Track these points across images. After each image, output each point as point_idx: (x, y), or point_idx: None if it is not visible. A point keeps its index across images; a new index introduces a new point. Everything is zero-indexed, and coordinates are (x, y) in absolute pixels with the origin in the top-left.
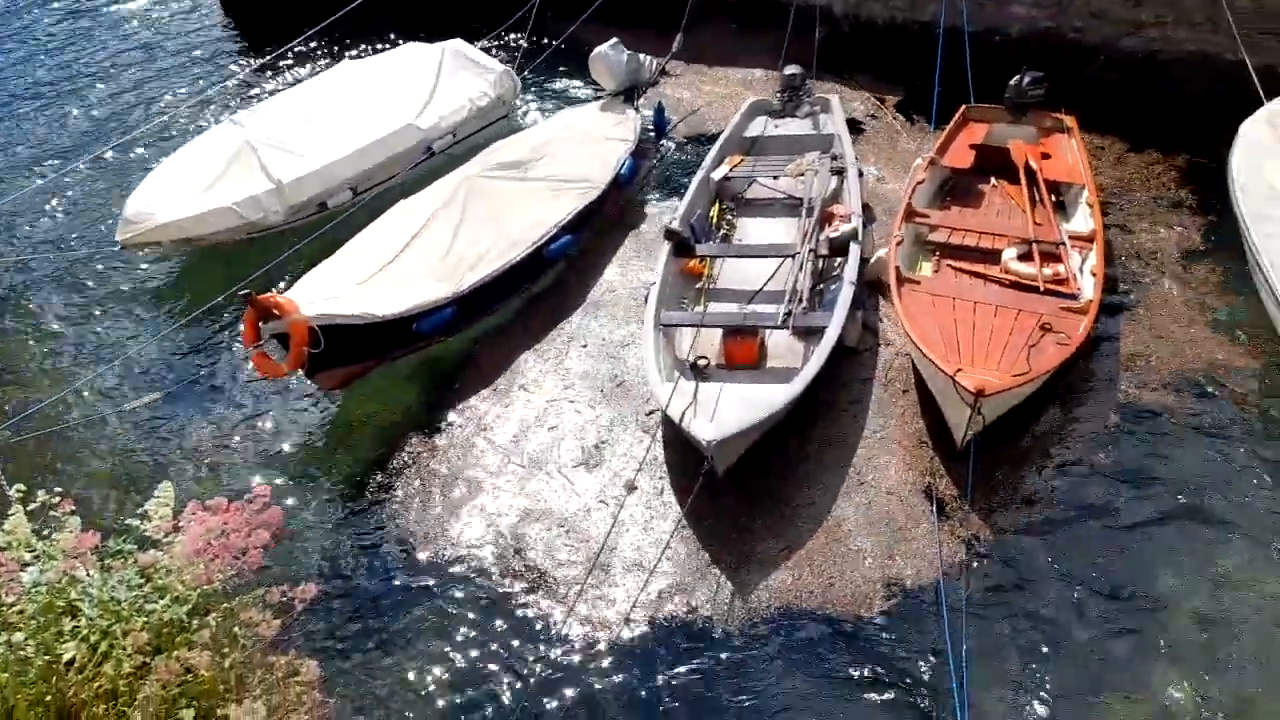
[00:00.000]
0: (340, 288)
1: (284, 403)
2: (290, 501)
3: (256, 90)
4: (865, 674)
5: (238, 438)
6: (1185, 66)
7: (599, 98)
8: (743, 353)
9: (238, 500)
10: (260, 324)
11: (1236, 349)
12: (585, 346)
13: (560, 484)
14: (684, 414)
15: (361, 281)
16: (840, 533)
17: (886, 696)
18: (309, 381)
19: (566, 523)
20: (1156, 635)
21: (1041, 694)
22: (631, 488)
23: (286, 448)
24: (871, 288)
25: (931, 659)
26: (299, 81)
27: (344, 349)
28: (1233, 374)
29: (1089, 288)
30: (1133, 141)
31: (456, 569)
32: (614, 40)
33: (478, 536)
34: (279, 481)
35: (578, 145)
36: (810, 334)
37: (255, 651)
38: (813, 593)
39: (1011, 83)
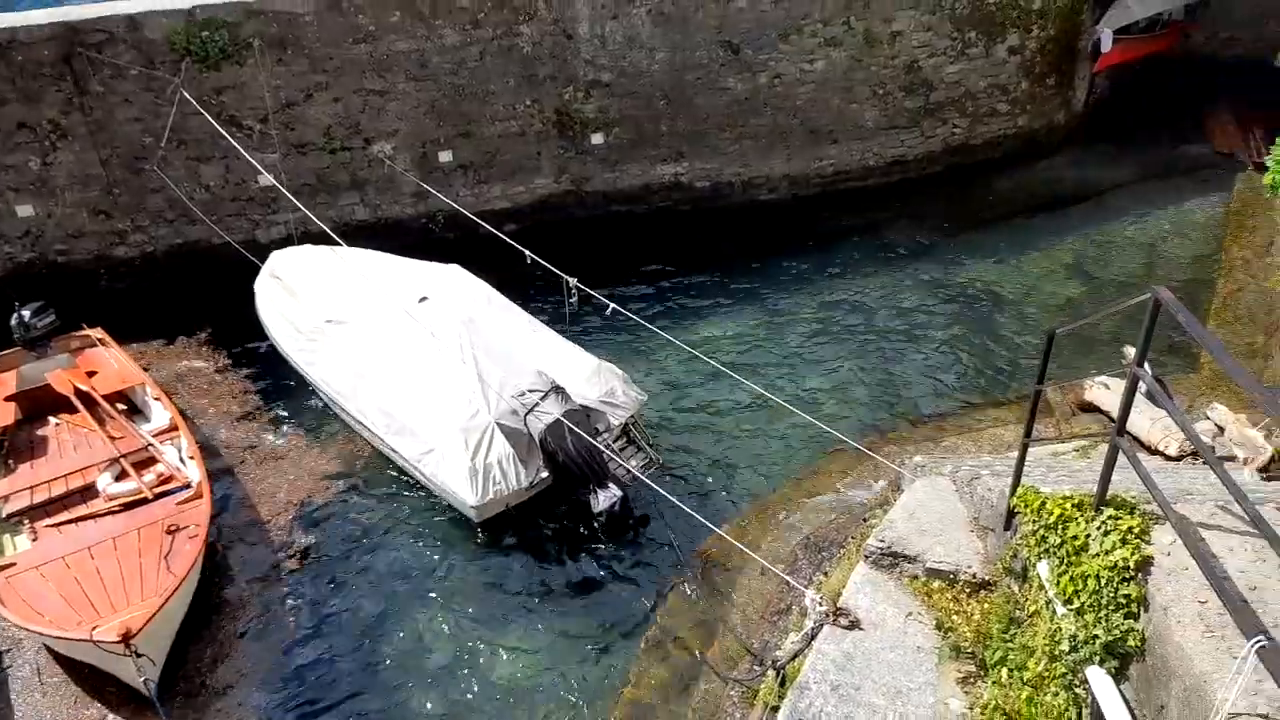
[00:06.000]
0: None
1: None
2: None
3: None
4: None
5: None
6: (176, 257)
7: None
8: None
9: None
10: None
11: (338, 457)
12: None
13: None
14: None
15: None
16: None
17: None
18: None
19: None
20: None
21: None
22: None
23: None
24: None
25: None
26: None
27: None
28: (345, 477)
29: (194, 472)
30: (167, 333)
31: None
32: None
33: None
34: None
35: None
36: None
37: None
38: None
39: (14, 322)
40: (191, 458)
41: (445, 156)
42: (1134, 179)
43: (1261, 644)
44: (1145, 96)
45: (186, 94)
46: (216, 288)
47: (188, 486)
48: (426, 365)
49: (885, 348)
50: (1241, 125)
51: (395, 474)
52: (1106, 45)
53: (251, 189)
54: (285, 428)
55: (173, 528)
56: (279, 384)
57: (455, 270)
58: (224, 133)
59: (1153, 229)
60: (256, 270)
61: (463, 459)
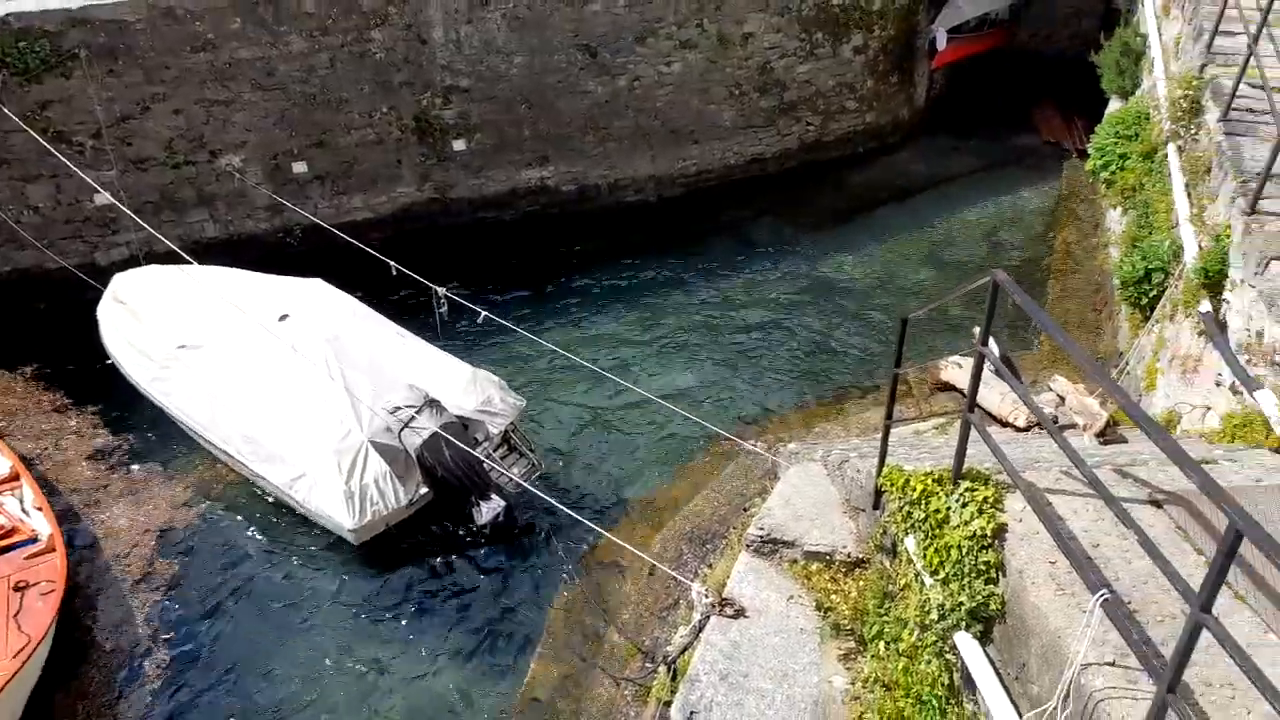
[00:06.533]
0: None
1: None
2: None
3: None
4: None
5: None
6: (5, 285)
7: None
8: None
9: None
10: None
11: (199, 487)
12: None
13: None
14: None
15: None
16: None
17: None
18: None
19: None
20: None
21: None
22: None
23: None
24: None
25: None
26: None
27: None
28: (209, 507)
29: (42, 524)
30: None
31: None
32: None
33: None
34: None
35: None
36: None
37: None
38: None
39: None
40: (38, 509)
41: (300, 167)
42: (973, 169)
43: (1105, 597)
44: (980, 91)
45: (6, 109)
46: (56, 317)
47: (35, 540)
48: (291, 387)
49: (754, 341)
50: (1065, 116)
51: (264, 497)
52: (942, 43)
53: (87, 209)
54: (141, 462)
55: (21, 584)
56: (131, 417)
57: (317, 284)
58: (52, 150)
59: (992, 215)
60: (99, 295)
61: (336, 482)
